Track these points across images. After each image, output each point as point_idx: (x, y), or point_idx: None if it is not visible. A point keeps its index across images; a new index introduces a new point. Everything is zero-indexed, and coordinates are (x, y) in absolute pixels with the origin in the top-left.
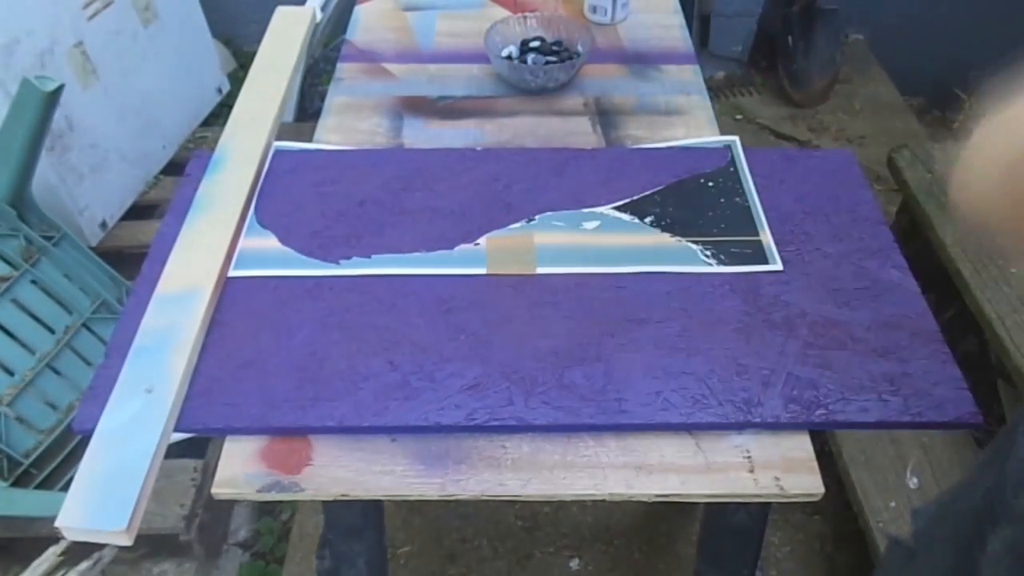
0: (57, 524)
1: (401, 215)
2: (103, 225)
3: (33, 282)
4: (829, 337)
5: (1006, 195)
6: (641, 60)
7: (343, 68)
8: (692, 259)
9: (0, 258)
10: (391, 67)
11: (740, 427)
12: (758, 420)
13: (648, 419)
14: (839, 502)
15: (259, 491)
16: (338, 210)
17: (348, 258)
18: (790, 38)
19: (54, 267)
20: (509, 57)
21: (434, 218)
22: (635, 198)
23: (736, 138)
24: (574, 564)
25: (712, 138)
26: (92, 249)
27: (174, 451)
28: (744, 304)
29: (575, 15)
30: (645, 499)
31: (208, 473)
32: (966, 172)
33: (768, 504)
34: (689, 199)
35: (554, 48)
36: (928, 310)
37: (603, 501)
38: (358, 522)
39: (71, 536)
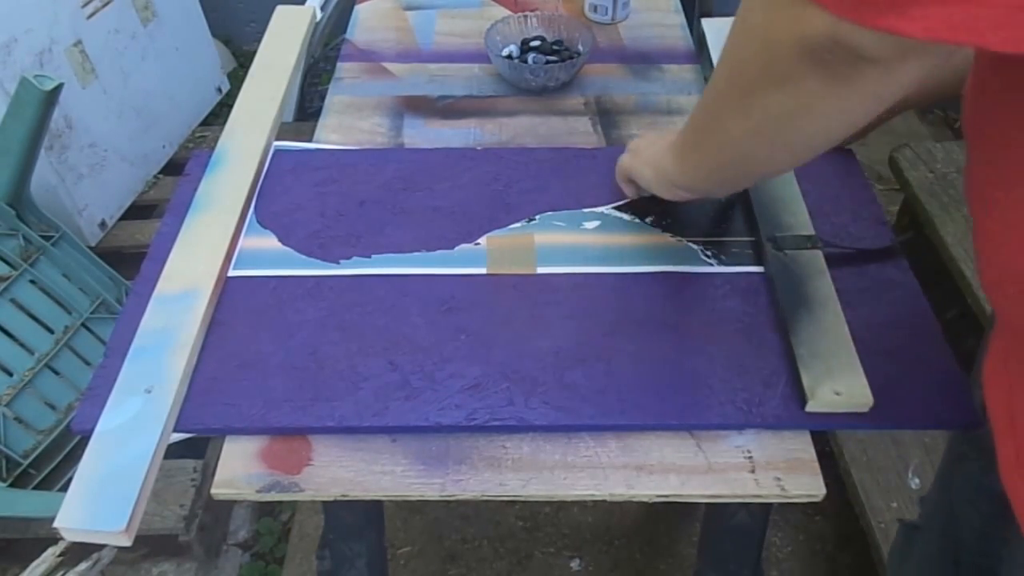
0: (56, 525)
1: (401, 215)
2: (102, 225)
3: (32, 282)
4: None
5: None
6: (642, 59)
7: (343, 68)
8: (693, 259)
9: None
10: (391, 67)
11: (741, 427)
12: (759, 420)
13: (648, 419)
14: (840, 503)
15: (259, 491)
16: (338, 210)
17: (348, 258)
18: None
19: (53, 267)
20: (509, 56)
21: (434, 218)
22: (636, 198)
23: None
24: (575, 564)
25: None
26: (91, 249)
27: (174, 451)
28: (745, 304)
29: (576, 14)
30: (646, 499)
31: (208, 473)
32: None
33: (769, 505)
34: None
35: (555, 47)
36: (929, 310)
37: (604, 501)
38: (358, 522)
39: (70, 537)
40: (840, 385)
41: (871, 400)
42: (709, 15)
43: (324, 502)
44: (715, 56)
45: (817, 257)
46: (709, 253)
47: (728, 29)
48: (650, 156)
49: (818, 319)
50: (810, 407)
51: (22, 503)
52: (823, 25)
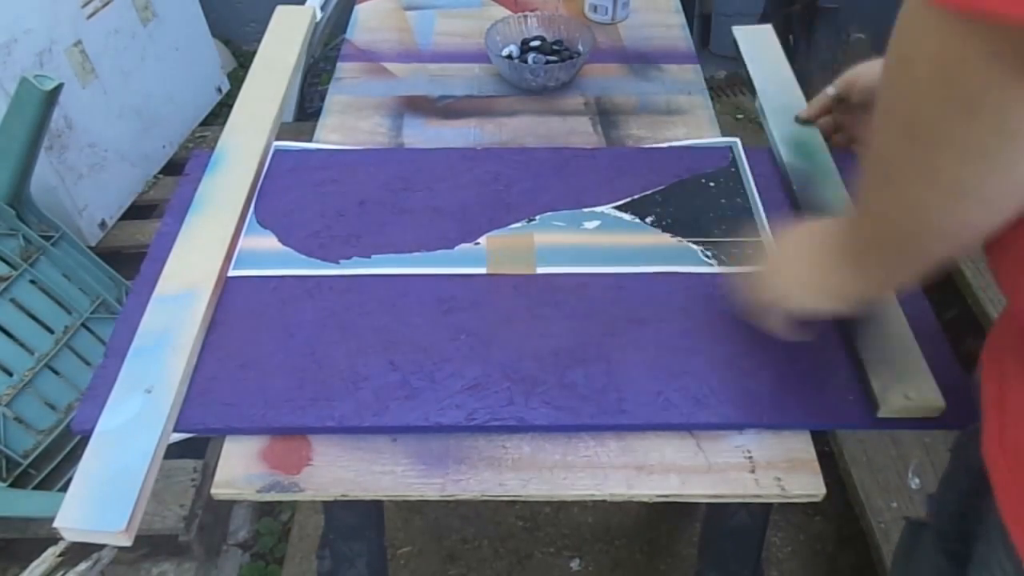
0: (56, 525)
1: (401, 215)
2: (102, 225)
3: (32, 282)
4: (830, 337)
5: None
6: (642, 59)
7: (343, 68)
8: (693, 259)
9: None
10: (391, 67)
11: (741, 427)
12: (759, 420)
13: (648, 419)
14: (840, 503)
15: (259, 491)
16: (338, 210)
17: (348, 258)
18: (791, 37)
19: (53, 267)
20: (509, 56)
21: (434, 218)
22: (636, 198)
23: (737, 139)
24: (575, 564)
25: (714, 139)
26: (91, 249)
27: (174, 451)
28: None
29: (576, 14)
30: (646, 499)
31: (208, 473)
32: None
33: (769, 505)
34: (690, 199)
35: (555, 47)
36: (930, 310)
37: (604, 501)
38: (358, 522)
39: (70, 537)
40: (912, 391)
41: (943, 404)
42: (709, 15)
43: (324, 502)
44: (751, 65)
45: None
46: (709, 253)
47: (762, 39)
48: (805, 281)
49: (880, 324)
50: (881, 413)
51: (22, 503)
52: None
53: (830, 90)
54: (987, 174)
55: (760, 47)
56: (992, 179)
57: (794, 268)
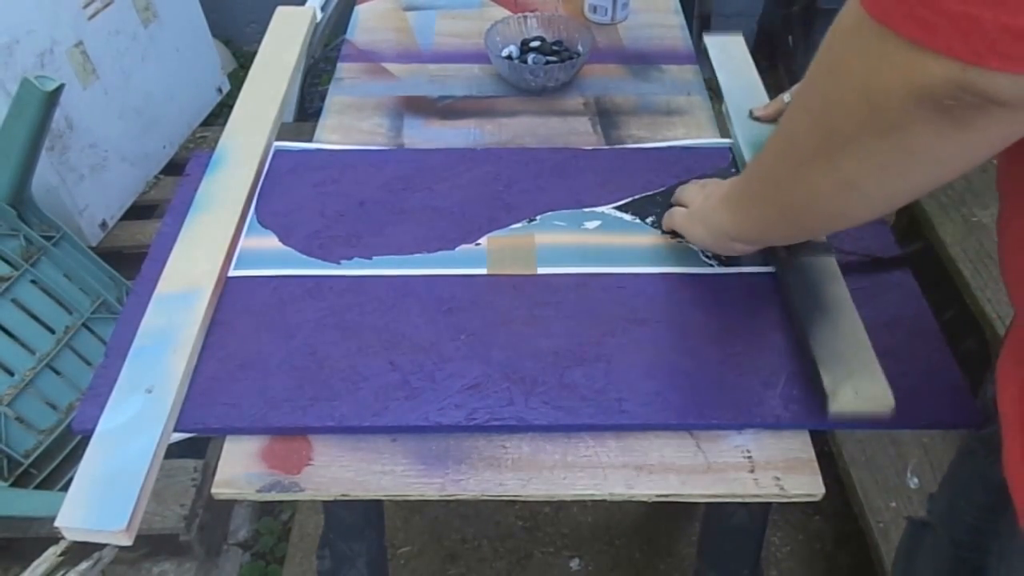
0: (57, 524)
1: (401, 215)
2: (103, 225)
3: (33, 282)
4: None
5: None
6: (641, 60)
7: (343, 68)
8: (693, 259)
9: (0, 258)
10: (391, 67)
11: (740, 427)
12: (758, 420)
13: (648, 419)
14: (839, 502)
15: (259, 491)
16: (338, 210)
17: (349, 258)
18: (790, 38)
19: (54, 267)
20: (509, 57)
21: (435, 218)
22: (636, 198)
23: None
24: (574, 564)
25: (714, 140)
26: (92, 249)
27: (174, 451)
28: (745, 304)
29: (575, 15)
30: (645, 499)
31: (208, 473)
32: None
33: (768, 504)
34: None
35: (554, 48)
36: (928, 310)
37: (603, 501)
38: (358, 522)
39: (71, 536)
40: (862, 388)
41: (892, 403)
42: (708, 15)
43: (324, 502)
44: (721, 73)
45: (831, 263)
46: (709, 254)
47: (732, 47)
48: (701, 212)
49: (835, 323)
50: (832, 410)
51: (23, 503)
52: (946, 71)
53: (786, 96)
54: (882, 180)
55: (730, 55)
56: (885, 184)
57: (697, 207)
